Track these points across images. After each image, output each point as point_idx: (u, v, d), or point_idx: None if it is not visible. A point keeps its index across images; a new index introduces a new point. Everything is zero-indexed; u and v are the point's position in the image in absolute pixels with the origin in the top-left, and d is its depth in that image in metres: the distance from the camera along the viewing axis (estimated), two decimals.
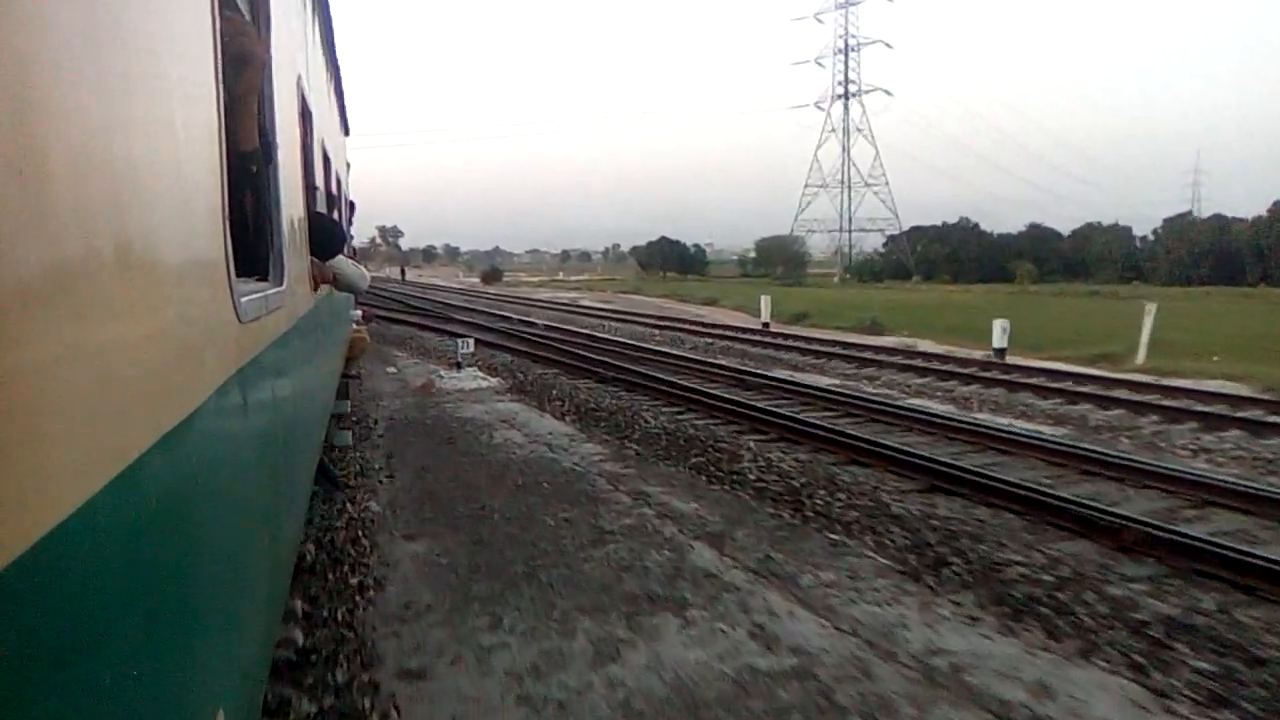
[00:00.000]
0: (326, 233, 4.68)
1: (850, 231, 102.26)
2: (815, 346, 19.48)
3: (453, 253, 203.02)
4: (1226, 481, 7.48)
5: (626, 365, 14.97)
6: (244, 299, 1.86)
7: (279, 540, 2.48)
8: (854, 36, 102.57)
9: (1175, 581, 5.49)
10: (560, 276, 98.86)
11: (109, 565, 0.93)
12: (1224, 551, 5.59)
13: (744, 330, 24.09)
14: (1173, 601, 5.16)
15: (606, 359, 15.85)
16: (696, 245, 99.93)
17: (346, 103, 10.72)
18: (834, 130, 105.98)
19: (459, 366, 14.46)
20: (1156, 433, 10.35)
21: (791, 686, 3.78)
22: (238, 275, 1.78)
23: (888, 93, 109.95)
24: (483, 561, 5.36)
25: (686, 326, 25.29)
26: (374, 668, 3.99)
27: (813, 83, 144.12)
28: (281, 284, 2.65)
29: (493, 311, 30.77)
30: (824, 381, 14.31)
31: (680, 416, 11.02)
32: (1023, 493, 7.01)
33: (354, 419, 9.42)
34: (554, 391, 12.87)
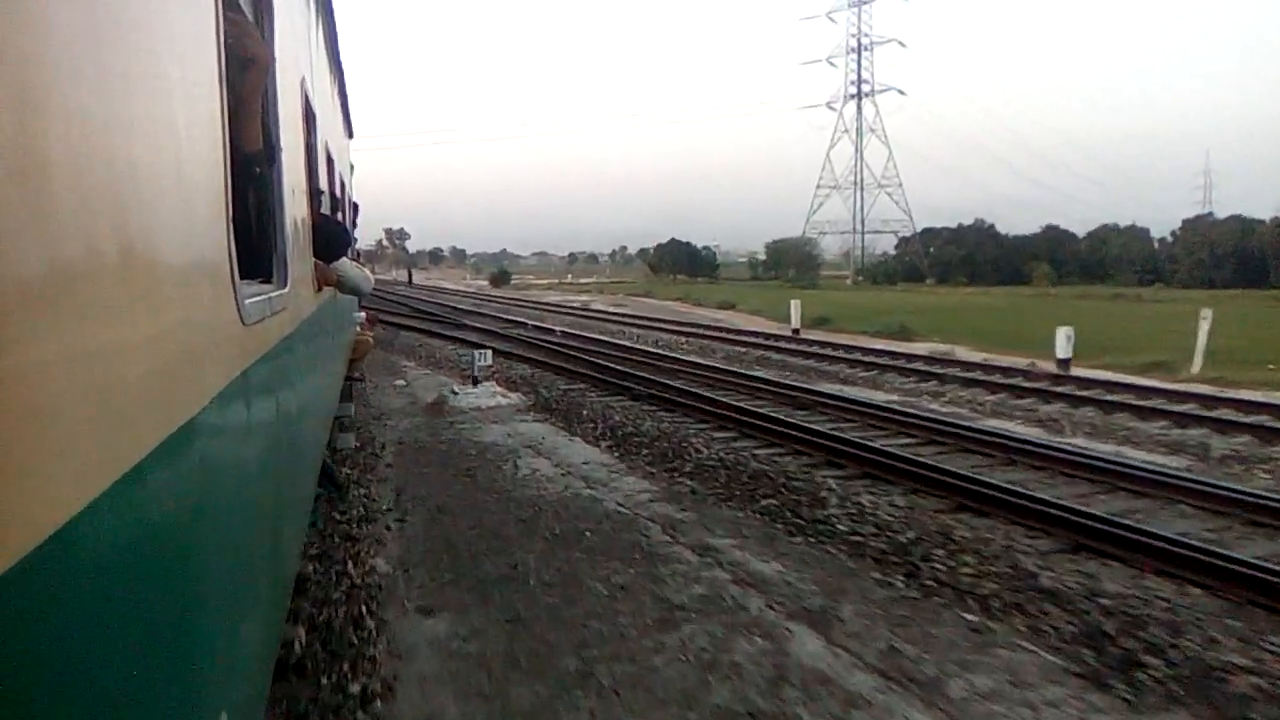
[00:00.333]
0: (331, 235, 4.67)
1: (863, 233, 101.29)
2: (858, 356, 18.14)
3: (459, 255, 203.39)
4: None
5: (661, 379, 13.79)
6: (248, 301, 1.86)
7: (282, 542, 2.49)
8: (867, 35, 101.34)
9: None
10: (569, 279, 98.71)
11: (112, 568, 0.93)
12: None
13: (774, 337, 22.85)
14: None
15: (637, 371, 14.79)
16: (706, 247, 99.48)
17: (350, 104, 10.75)
18: (846, 131, 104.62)
19: (475, 381, 12.89)
20: None
21: None
22: (241, 277, 1.79)
23: (901, 92, 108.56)
24: (521, 651, 4.25)
25: (713, 333, 23.89)
26: None
27: (824, 83, 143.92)
28: (285, 286, 2.66)
29: (505, 316, 29.73)
30: (882, 397, 12.98)
31: (736, 444, 9.62)
32: (1205, 559, 5.58)
33: (357, 445, 8.65)
34: (583, 411, 11.43)
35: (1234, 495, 7.16)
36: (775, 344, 20.75)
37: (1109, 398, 12.49)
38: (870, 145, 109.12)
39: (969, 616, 4.81)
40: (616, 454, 8.97)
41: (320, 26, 5.42)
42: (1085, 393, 12.99)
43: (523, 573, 5.32)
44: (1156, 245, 70.28)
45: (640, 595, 4.94)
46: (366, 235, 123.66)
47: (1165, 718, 3.79)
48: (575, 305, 40.48)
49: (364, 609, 4.74)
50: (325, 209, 5.70)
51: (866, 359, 17.59)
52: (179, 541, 1.23)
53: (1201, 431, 10.39)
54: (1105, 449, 9.44)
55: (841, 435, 9.58)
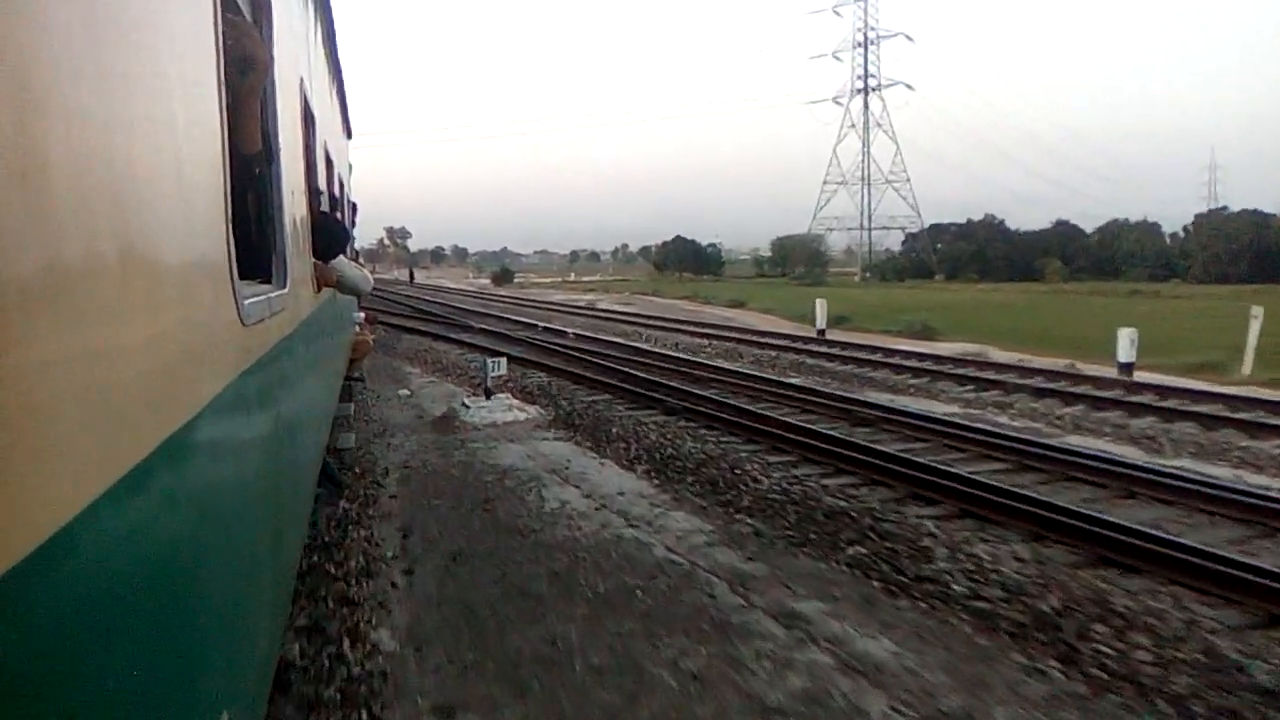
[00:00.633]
0: (329, 232, 4.64)
1: (870, 230, 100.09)
2: (897, 360, 16.59)
3: (461, 254, 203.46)
4: None
5: (692, 389, 12.49)
6: (247, 301, 1.86)
7: (283, 543, 2.50)
8: (874, 29, 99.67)
9: None
10: (572, 277, 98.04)
11: (112, 569, 0.94)
12: None
13: (799, 339, 21.43)
14: None
15: (663, 379, 13.48)
16: (712, 244, 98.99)
17: (349, 104, 10.73)
18: (853, 126, 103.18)
19: (488, 393, 11.36)
20: None
21: None
22: (241, 278, 1.79)
23: (909, 87, 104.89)
24: None
25: (734, 335, 22.39)
26: None
27: (829, 77, 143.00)
28: (284, 286, 2.66)
29: (512, 317, 28.17)
30: (941, 409, 11.67)
31: (797, 470, 8.29)
32: None
33: (357, 469, 7.86)
34: (611, 428, 10.05)
35: None
36: (804, 346, 19.40)
37: (1197, 409, 11.15)
38: (877, 140, 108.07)
39: None
40: (656, 482, 7.76)
41: (318, 27, 5.41)
42: (1166, 403, 11.74)
43: (565, 652, 4.26)
44: (1168, 240, 69.69)
45: (721, 690, 3.85)
46: (368, 234, 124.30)
47: None
48: (581, 305, 38.97)
49: (363, 713, 3.71)
50: (324, 209, 5.71)
51: (908, 363, 16.06)
52: (179, 543, 1.24)
53: None
54: (1220, 473, 8.26)
55: (919, 460, 8.18)
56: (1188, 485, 7.34)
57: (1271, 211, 61.51)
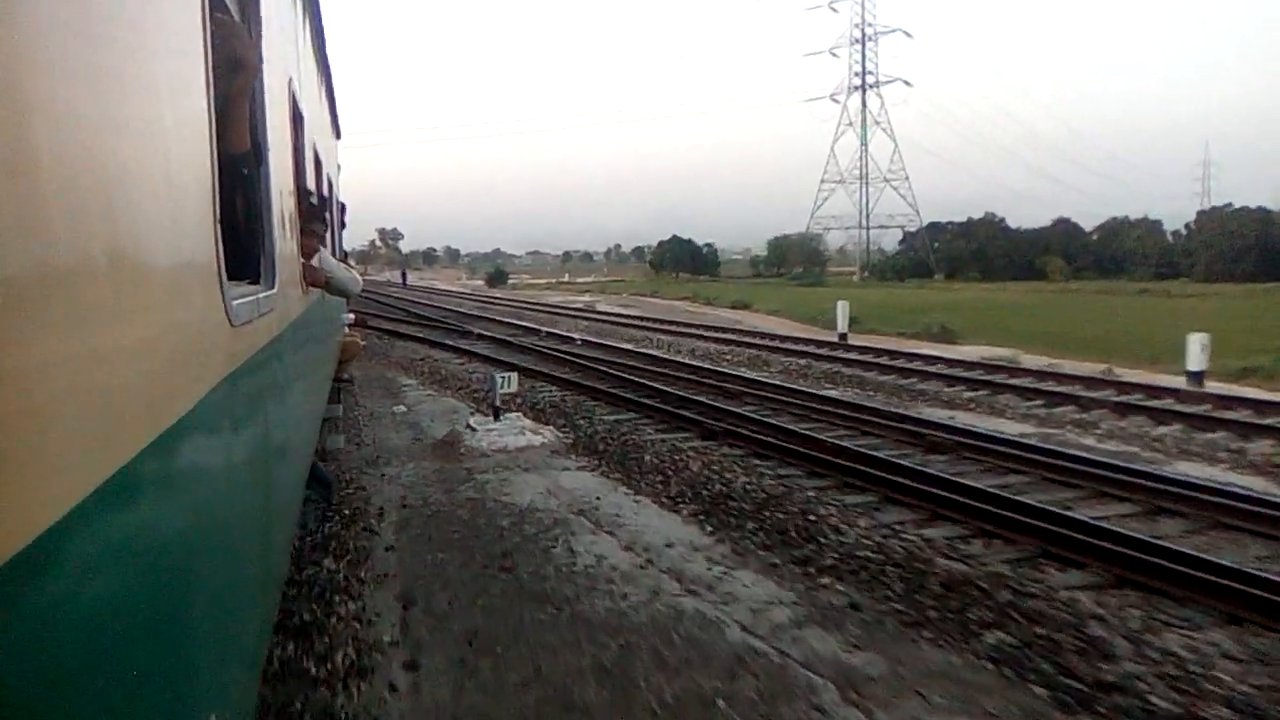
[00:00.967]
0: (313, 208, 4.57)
1: (868, 228, 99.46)
2: (940, 369, 15.14)
3: (453, 255, 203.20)
4: None
5: (726, 406, 11.29)
6: (235, 302, 1.86)
7: (271, 544, 2.49)
8: (871, 25, 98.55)
9: None
10: (566, 278, 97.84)
11: (99, 570, 0.93)
12: None
13: (824, 344, 19.91)
14: None
15: (691, 394, 12.29)
16: (708, 245, 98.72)
17: (339, 104, 10.71)
18: (850, 123, 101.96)
19: (497, 413, 9.89)
20: None
21: None
22: (229, 278, 1.79)
23: (907, 83, 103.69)
24: None
25: (752, 340, 21.01)
26: None
27: (825, 74, 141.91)
28: (273, 287, 2.66)
29: (512, 321, 26.82)
30: (1014, 429, 10.36)
31: (884, 515, 6.91)
32: None
33: (346, 511, 6.75)
34: (643, 455, 8.71)
35: None
36: (831, 353, 18.05)
37: None
38: (875, 138, 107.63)
39: None
40: (708, 528, 6.39)
41: (307, 27, 5.40)
42: (1268, 420, 10.38)
43: None
44: (1170, 238, 69.44)
45: None
46: (359, 236, 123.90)
47: None
48: (580, 307, 37.45)
49: None
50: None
51: (953, 372, 14.66)
52: (167, 544, 1.23)
53: None
54: None
55: (1033, 504, 6.72)
56: None
57: (1274, 208, 61.30)
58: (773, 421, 10.27)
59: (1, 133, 0.73)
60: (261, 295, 2.40)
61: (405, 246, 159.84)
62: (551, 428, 10.11)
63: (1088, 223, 76.70)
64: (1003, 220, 78.05)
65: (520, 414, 10.47)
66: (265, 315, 2.43)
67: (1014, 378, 14.18)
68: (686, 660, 4.21)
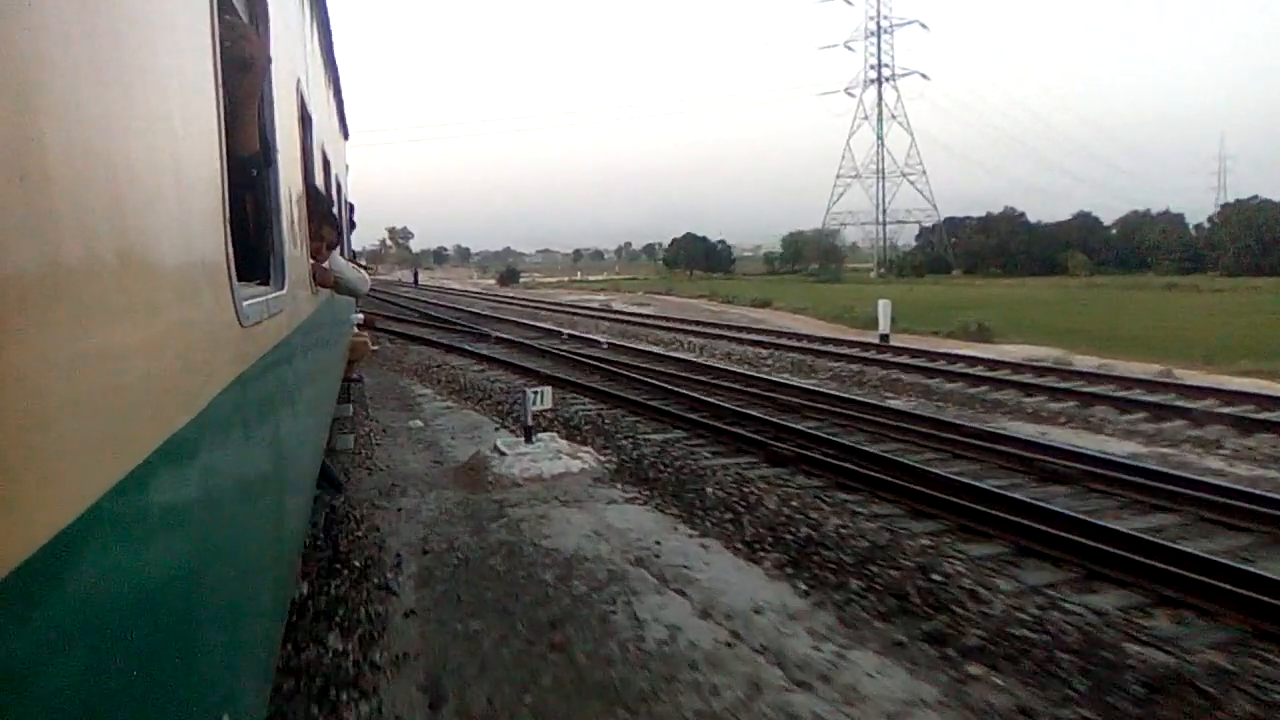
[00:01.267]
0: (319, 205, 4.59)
1: (885, 224, 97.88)
2: (1006, 375, 13.82)
3: (464, 254, 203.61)
4: None
5: (785, 422, 9.97)
6: (245, 303, 1.86)
7: (283, 545, 2.50)
8: (887, 17, 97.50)
9: None
10: (578, 276, 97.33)
11: (112, 572, 0.93)
12: None
13: (869, 346, 18.40)
14: None
15: (741, 407, 11.07)
16: (722, 242, 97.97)
17: (346, 105, 10.74)
18: (866, 117, 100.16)
19: (529, 435, 8.57)
20: None
21: None
22: (239, 279, 1.79)
23: (925, 76, 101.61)
24: None
25: (786, 342, 19.52)
26: None
27: (841, 68, 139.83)
28: (283, 288, 2.67)
29: (529, 322, 25.40)
30: (1123, 448, 9.07)
31: (1026, 573, 5.56)
32: None
33: (357, 562, 5.63)
34: (704, 487, 7.38)
35: None
36: (879, 357, 16.57)
37: None
38: (892, 132, 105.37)
39: None
40: (804, 586, 5.21)
41: (315, 28, 5.43)
42: None
43: None
44: (1193, 232, 68.48)
45: None
46: (369, 236, 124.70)
47: None
48: (596, 306, 35.79)
49: None
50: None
51: (1023, 379, 13.29)
52: (179, 545, 1.23)
53: None
54: None
55: (1227, 564, 5.30)
56: None
57: (1267, 198, 60.46)
58: (845, 442, 9.01)
59: (13, 135, 0.73)
60: (271, 296, 2.41)
61: (415, 245, 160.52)
62: (590, 449, 8.78)
63: (1105, 216, 76.05)
64: (1023, 215, 76.75)
65: (554, 434, 9.09)
66: (275, 316, 2.43)
67: (1093, 385, 12.73)
68: None
